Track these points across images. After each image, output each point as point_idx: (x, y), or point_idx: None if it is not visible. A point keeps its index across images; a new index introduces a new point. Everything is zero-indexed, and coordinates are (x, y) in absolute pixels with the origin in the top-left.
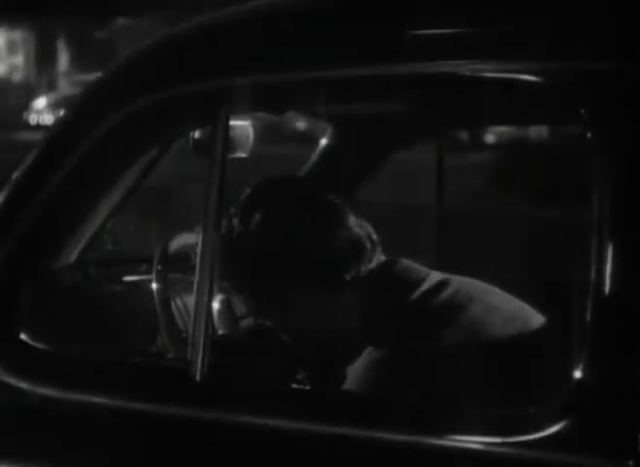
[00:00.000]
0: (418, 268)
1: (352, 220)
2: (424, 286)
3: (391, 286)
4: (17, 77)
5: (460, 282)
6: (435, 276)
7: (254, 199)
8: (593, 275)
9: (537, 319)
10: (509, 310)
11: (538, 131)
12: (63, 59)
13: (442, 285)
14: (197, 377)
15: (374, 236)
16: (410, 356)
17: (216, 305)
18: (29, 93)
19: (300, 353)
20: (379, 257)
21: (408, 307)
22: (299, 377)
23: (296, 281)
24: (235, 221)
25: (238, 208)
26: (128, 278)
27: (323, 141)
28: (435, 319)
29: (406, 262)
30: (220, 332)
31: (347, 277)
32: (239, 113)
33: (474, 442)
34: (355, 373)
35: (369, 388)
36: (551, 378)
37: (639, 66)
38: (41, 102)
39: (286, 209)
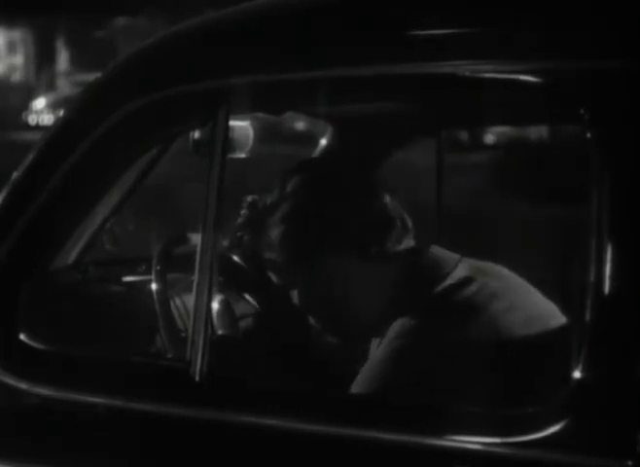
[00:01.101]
0: (447, 259)
1: (388, 200)
2: (448, 281)
3: (416, 277)
4: (17, 77)
5: (487, 278)
6: (461, 271)
7: (299, 170)
8: (592, 275)
9: (557, 321)
10: (530, 310)
11: (537, 131)
12: (63, 59)
13: (466, 281)
14: (197, 378)
15: (409, 222)
16: (425, 351)
17: (215, 306)
18: (29, 94)
19: (317, 320)
20: (409, 242)
21: (429, 301)
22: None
23: (325, 243)
24: (279, 189)
25: (285, 177)
26: (128, 279)
27: (322, 141)
28: (452, 316)
29: (436, 251)
30: (219, 332)
31: (373, 248)
32: (239, 113)
33: (473, 442)
34: (374, 361)
35: (383, 379)
36: (551, 378)
37: (638, 65)
38: (40, 102)
39: (328, 178)
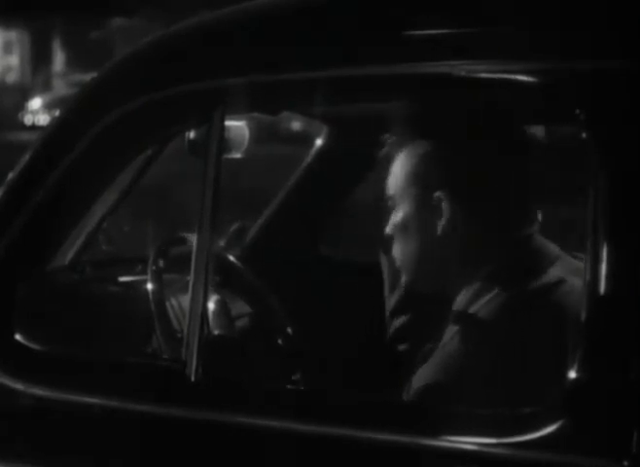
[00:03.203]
0: (548, 251)
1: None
2: (544, 279)
3: (516, 265)
4: (13, 77)
5: (580, 279)
6: (558, 269)
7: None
8: (589, 275)
9: None
10: None
11: (534, 132)
12: (59, 60)
13: (560, 281)
14: (192, 378)
15: (537, 213)
16: (497, 349)
17: (211, 306)
18: (25, 94)
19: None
20: (526, 230)
21: (522, 295)
22: (294, 377)
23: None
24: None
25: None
26: (123, 279)
27: (318, 141)
28: (540, 317)
29: (538, 241)
30: (215, 332)
31: (498, 223)
32: (235, 113)
33: (469, 442)
34: (453, 346)
35: (456, 368)
36: (547, 379)
37: (634, 66)
38: (36, 103)
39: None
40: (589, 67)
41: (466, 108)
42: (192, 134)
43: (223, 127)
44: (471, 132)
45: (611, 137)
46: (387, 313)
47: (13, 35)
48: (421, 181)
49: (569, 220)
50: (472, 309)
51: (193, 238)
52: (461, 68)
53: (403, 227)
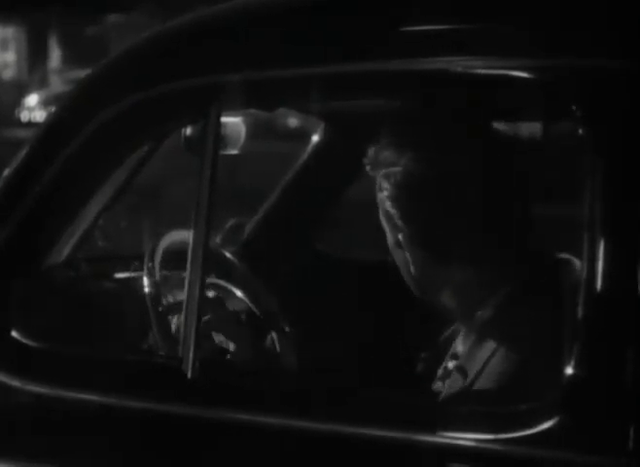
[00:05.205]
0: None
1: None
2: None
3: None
4: (9, 74)
5: None
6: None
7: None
8: (586, 273)
9: None
10: None
11: (530, 129)
12: (55, 56)
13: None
14: (189, 375)
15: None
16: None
17: (208, 303)
18: (21, 90)
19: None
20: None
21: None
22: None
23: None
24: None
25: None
26: (120, 276)
27: (315, 138)
28: None
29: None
30: (211, 329)
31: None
32: (231, 110)
33: (466, 439)
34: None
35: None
36: (544, 376)
37: (634, 65)
38: (33, 99)
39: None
40: (589, 65)
41: (464, 106)
42: (188, 131)
43: (219, 124)
44: (471, 132)
45: (609, 136)
46: None
47: (9, 32)
48: (396, 226)
49: (566, 218)
50: (505, 323)
51: (189, 235)
52: (457, 65)
53: (393, 246)
